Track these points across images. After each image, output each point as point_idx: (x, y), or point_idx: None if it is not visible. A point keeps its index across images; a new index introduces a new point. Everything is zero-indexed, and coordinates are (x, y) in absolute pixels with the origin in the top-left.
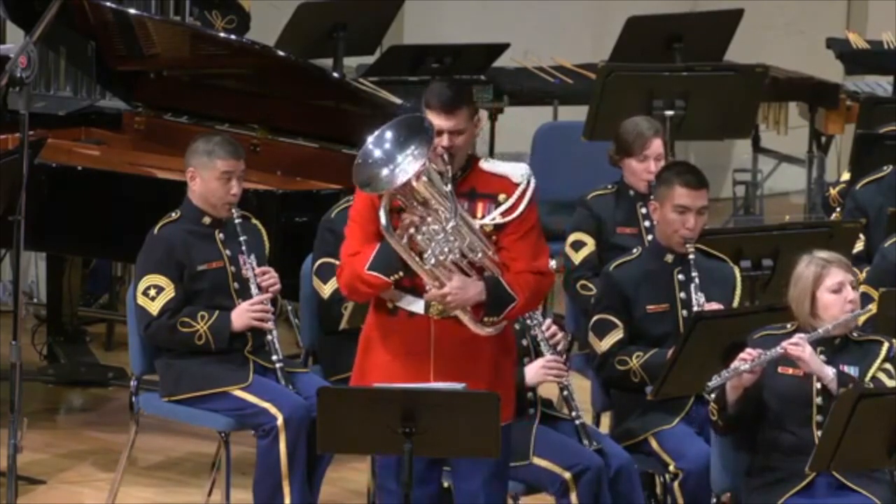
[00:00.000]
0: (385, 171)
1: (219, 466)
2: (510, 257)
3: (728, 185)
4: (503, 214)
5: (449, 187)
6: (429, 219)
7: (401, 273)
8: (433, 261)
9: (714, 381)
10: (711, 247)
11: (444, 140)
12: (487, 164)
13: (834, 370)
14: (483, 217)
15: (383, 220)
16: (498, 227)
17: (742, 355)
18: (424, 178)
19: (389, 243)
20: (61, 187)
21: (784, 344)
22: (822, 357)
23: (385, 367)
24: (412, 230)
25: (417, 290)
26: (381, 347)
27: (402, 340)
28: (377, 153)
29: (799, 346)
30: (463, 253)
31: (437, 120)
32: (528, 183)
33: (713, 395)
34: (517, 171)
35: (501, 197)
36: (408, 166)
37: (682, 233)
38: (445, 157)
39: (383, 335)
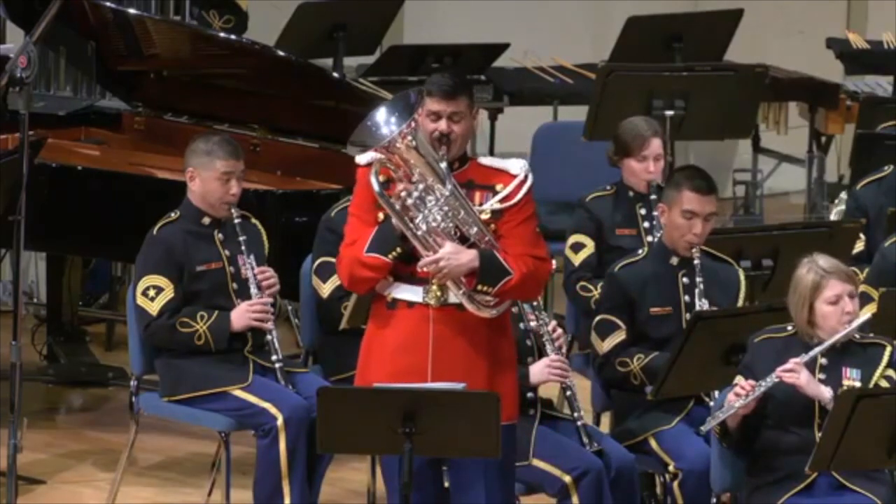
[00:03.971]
0: (374, 132)
1: (219, 466)
2: (509, 244)
3: (728, 185)
4: (501, 201)
5: (444, 164)
6: (421, 186)
7: (398, 249)
8: (424, 226)
9: (707, 425)
10: (711, 247)
11: (443, 124)
12: (485, 160)
13: (832, 392)
14: (481, 205)
15: (376, 186)
16: (496, 216)
17: (736, 389)
18: (412, 142)
19: (384, 225)
20: (61, 187)
21: (779, 372)
22: (825, 360)
23: (384, 363)
24: (405, 196)
25: (415, 279)
26: (381, 344)
27: (401, 333)
28: (371, 120)
29: (794, 373)
30: (457, 226)
31: (436, 105)
32: (527, 175)
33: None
34: (515, 165)
35: (499, 187)
36: (393, 127)
37: (688, 238)
38: (442, 141)
39: (383, 331)
